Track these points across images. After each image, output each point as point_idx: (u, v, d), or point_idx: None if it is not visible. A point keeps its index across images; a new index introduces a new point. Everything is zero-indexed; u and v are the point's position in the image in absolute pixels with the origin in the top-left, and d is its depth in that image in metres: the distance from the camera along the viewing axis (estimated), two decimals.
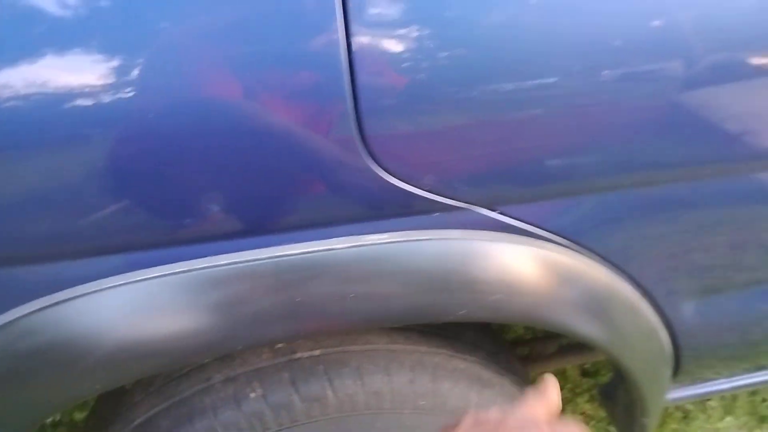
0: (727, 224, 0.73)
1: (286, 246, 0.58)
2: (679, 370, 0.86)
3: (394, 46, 0.51)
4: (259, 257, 0.58)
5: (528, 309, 0.66)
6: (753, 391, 1.44)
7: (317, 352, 0.73)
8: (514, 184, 0.61)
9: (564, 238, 0.65)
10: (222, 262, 0.58)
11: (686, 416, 1.42)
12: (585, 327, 0.70)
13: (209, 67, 0.49)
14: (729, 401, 1.44)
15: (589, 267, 0.67)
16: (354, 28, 0.50)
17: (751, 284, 0.83)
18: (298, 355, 0.73)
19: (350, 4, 0.50)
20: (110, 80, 0.48)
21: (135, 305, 0.58)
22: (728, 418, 1.41)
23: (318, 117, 0.52)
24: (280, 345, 0.73)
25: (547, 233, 0.64)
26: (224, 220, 0.56)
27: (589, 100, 0.56)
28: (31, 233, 0.54)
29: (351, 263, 0.59)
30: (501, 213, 0.62)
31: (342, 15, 0.49)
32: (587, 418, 1.43)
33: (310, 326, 0.63)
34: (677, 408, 1.42)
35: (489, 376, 0.79)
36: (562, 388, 0.66)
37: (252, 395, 0.70)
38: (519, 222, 0.63)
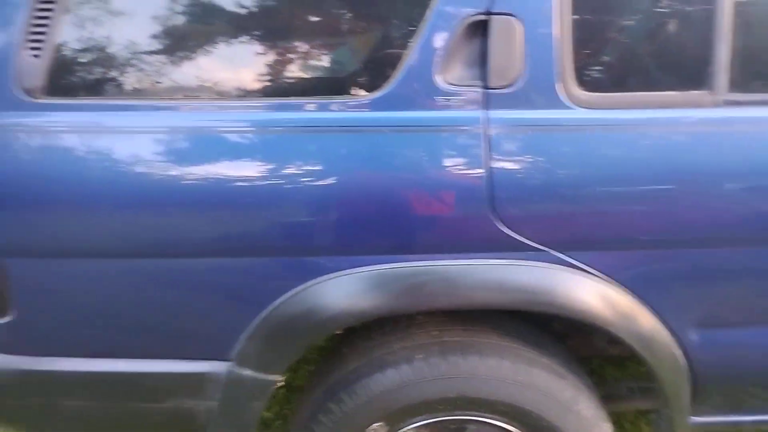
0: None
1: (448, 261, 1.15)
2: (697, 389, 1.27)
3: (515, 170, 1.10)
4: (432, 264, 1.15)
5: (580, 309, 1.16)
6: None
7: (457, 339, 1.26)
8: (582, 242, 1.15)
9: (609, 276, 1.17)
10: (413, 266, 1.15)
11: None
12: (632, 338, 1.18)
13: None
14: None
15: (621, 295, 1.17)
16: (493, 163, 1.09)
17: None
18: (446, 338, 1.26)
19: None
20: None
21: (351, 289, 1.16)
22: None
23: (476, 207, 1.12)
24: (435, 332, 1.27)
25: (594, 270, 1.16)
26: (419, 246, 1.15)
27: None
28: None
29: (482, 273, 1.15)
30: (567, 256, 1.15)
31: (487, 154, 1.09)
32: None
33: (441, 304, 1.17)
34: None
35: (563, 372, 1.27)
36: None
37: (419, 357, 1.23)
38: (583, 264, 1.15)
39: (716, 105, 1.14)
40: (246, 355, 1.21)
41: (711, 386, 1.30)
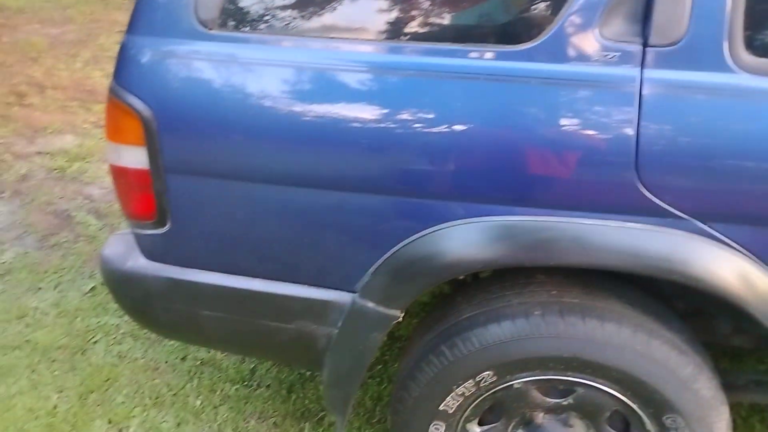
0: None
1: (582, 219, 1.14)
2: None
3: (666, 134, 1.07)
4: (565, 221, 1.15)
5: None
6: None
7: (576, 301, 1.26)
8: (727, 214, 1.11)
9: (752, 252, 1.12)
10: (546, 220, 1.16)
11: None
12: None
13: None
14: None
15: (763, 275, 1.11)
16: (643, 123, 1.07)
17: None
18: (565, 299, 1.26)
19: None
20: None
21: (477, 237, 1.18)
22: None
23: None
24: (554, 291, 1.27)
25: (736, 244, 1.11)
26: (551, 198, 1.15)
27: None
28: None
29: (617, 235, 1.14)
30: (709, 227, 1.11)
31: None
32: None
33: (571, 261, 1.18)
34: None
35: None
36: None
37: (536, 313, 1.25)
38: (726, 237, 1.11)
39: None
40: (370, 289, 1.27)
41: None
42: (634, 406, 1.26)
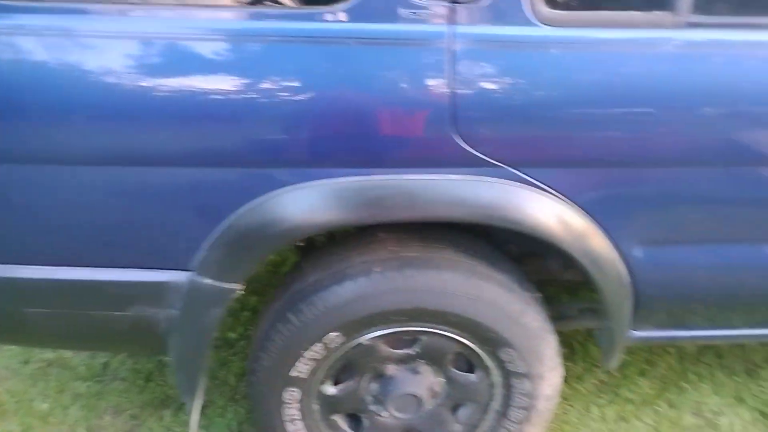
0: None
1: (409, 175, 1.18)
2: (639, 305, 1.35)
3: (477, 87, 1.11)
4: (393, 178, 1.17)
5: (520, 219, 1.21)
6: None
7: (414, 254, 1.31)
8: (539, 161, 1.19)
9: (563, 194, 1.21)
10: (373, 179, 1.18)
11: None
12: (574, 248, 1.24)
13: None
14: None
15: (574, 213, 1.22)
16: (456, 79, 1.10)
17: (700, 241, 1.32)
18: (404, 254, 1.31)
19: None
20: None
21: (310, 201, 1.18)
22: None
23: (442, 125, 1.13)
24: (394, 247, 1.31)
25: (548, 187, 1.20)
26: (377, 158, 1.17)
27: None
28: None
29: (441, 187, 1.18)
30: (524, 173, 1.19)
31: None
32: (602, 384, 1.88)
33: (400, 216, 1.21)
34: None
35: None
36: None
37: (376, 270, 1.28)
38: (539, 182, 1.19)
39: (678, 26, 1.16)
40: (206, 264, 1.23)
41: (652, 302, 1.38)
42: (473, 346, 1.34)
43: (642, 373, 1.91)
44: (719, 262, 1.36)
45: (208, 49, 1.13)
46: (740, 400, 1.82)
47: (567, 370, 1.85)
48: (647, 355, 1.98)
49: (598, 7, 1.17)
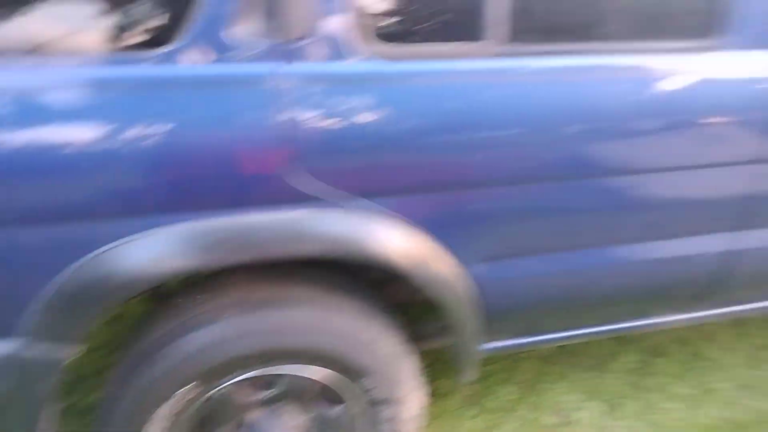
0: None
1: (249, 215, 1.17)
2: (488, 317, 1.43)
3: (310, 123, 1.14)
4: (233, 219, 1.17)
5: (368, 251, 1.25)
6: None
7: (265, 294, 1.30)
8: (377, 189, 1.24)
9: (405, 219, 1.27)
10: (215, 222, 1.16)
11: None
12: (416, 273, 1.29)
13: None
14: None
15: (416, 238, 1.27)
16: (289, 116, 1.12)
17: (539, 252, 1.43)
18: (254, 294, 1.30)
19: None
20: None
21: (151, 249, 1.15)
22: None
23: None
24: (244, 289, 1.30)
25: (392, 214, 1.25)
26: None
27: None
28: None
29: (283, 223, 1.19)
30: (366, 204, 1.23)
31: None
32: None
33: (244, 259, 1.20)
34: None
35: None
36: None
37: (229, 315, 1.25)
38: (380, 209, 1.24)
39: (495, 55, 1.27)
40: (39, 328, 1.14)
41: (502, 315, 1.47)
42: (334, 378, 1.35)
43: (505, 381, 2.02)
44: (560, 269, 1.48)
45: (29, 100, 1.06)
46: (593, 394, 1.97)
47: (435, 388, 1.93)
48: (509, 362, 2.10)
49: (425, 40, 1.25)
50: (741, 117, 1.42)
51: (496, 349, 1.53)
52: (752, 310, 1.80)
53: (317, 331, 1.28)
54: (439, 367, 2.03)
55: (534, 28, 1.30)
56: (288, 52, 1.14)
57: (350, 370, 1.33)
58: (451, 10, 1.26)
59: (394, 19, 1.24)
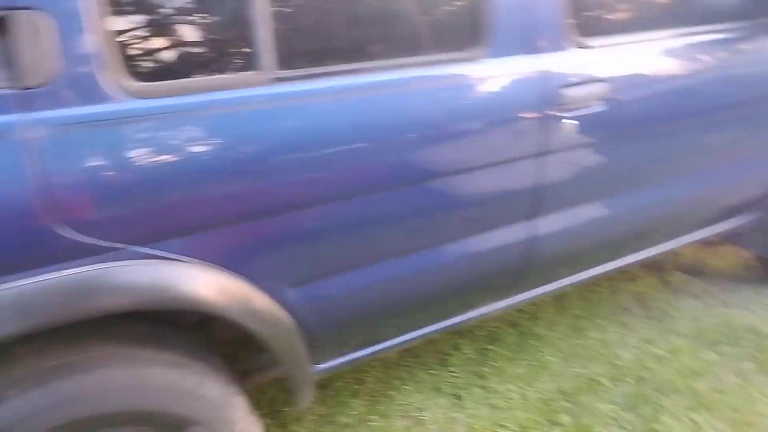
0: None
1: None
2: (311, 340, 1.41)
3: (66, 173, 1.04)
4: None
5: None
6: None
7: (58, 361, 1.16)
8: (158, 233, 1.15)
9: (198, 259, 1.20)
10: None
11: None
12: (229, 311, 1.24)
13: None
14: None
15: (214, 275, 1.22)
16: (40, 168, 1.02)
17: (346, 268, 1.42)
18: (45, 364, 1.15)
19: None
20: None
21: None
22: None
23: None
24: (34, 360, 1.15)
25: (186, 258, 1.18)
26: None
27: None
28: None
29: (51, 285, 1.08)
30: (148, 249, 1.15)
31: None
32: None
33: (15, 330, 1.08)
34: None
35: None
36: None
37: (14, 393, 1.11)
38: (164, 253, 1.17)
39: (267, 83, 1.24)
40: None
41: (325, 336, 1.46)
42: None
43: (354, 394, 2.02)
44: (374, 279, 1.49)
45: None
46: (438, 391, 2.04)
47: (281, 417, 1.88)
48: (357, 374, 2.11)
49: (187, 74, 1.19)
50: (506, 115, 1.51)
51: (333, 367, 1.52)
52: (564, 285, 1.96)
53: (126, 391, 1.18)
54: (283, 397, 1.99)
55: (304, 53, 1.30)
56: (31, 100, 1.03)
57: (174, 424, 1.24)
58: (215, 43, 1.23)
59: (150, 57, 1.17)
